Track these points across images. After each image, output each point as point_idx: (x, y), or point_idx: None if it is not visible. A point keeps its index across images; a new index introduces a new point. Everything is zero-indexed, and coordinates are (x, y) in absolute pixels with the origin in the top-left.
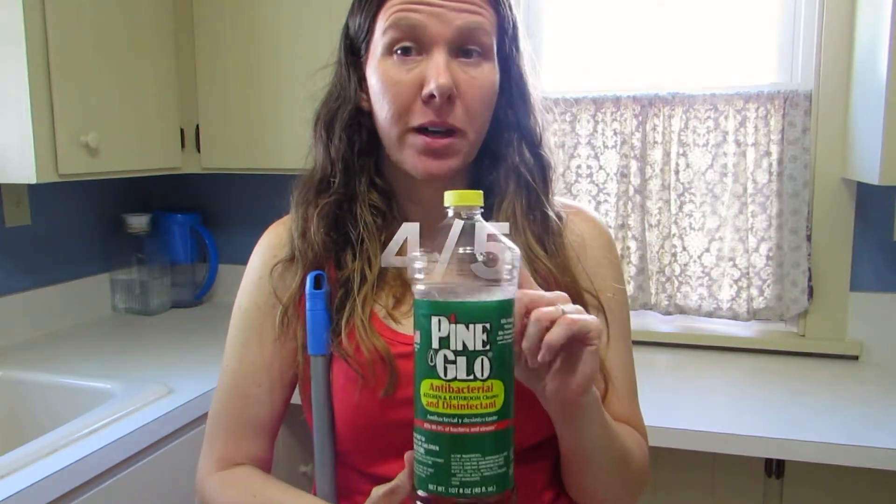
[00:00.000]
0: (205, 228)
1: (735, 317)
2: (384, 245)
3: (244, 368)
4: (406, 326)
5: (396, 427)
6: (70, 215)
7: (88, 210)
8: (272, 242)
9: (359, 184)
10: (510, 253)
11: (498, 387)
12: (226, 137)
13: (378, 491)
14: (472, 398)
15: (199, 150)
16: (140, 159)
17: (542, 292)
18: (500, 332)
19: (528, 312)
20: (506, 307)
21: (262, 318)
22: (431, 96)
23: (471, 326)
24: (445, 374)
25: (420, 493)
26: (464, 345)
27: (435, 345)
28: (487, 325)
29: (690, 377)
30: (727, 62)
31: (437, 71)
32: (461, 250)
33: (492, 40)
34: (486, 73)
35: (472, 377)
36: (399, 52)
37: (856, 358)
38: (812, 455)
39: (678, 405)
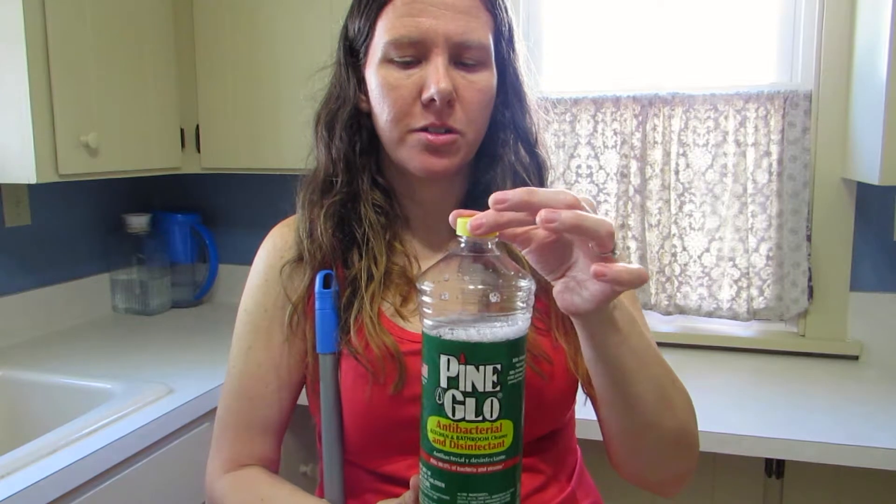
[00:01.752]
0: (205, 228)
1: (735, 317)
2: (388, 243)
3: (251, 370)
4: (414, 324)
5: (405, 424)
6: (70, 215)
7: (88, 210)
8: (277, 244)
9: (361, 183)
10: (524, 287)
11: (507, 427)
12: (226, 137)
13: None
14: (480, 439)
15: (199, 150)
16: (140, 159)
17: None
18: (512, 372)
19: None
20: (518, 345)
21: (268, 320)
22: (432, 101)
23: (481, 368)
24: (454, 415)
25: None
26: (473, 386)
27: (443, 384)
28: (498, 366)
29: (690, 377)
30: (727, 62)
31: (437, 76)
32: (472, 286)
33: (489, 44)
34: (485, 78)
35: (480, 418)
36: (398, 58)
37: (856, 358)
38: (812, 455)
39: None
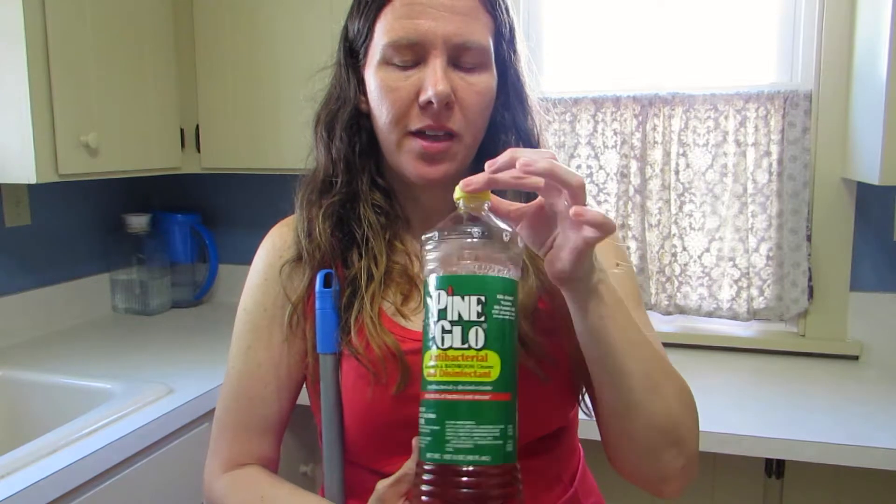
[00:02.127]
0: (205, 228)
1: (735, 317)
2: (389, 243)
3: (251, 370)
4: (415, 323)
5: (408, 424)
6: (70, 215)
7: (88, 210)
8: (277, 244)
9: (361, 183)
10: (512, 239)
11: (493, 358)
12: (226, 137)
13: (384, 483)
14: (465, 366)
15: (199, 150)
16: (140, 159)
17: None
18: (497, 307)
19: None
20: (505, 284)
21: (268, 320)
22: (429, 103)
23: (466, 298)
24: (442, 343)
25: (422, 466)
26: (459, 315)
27: (434, 317)
28: (482, 298)
29: (690, 377)
30: (727, 62)
31: (434, 79)
32: (464, 231)
33: (489, 46)
34: (484, 80)
35: (466, 346)
36: (397, 60)
37: (856, 358)
38: (812, 455)
39: None
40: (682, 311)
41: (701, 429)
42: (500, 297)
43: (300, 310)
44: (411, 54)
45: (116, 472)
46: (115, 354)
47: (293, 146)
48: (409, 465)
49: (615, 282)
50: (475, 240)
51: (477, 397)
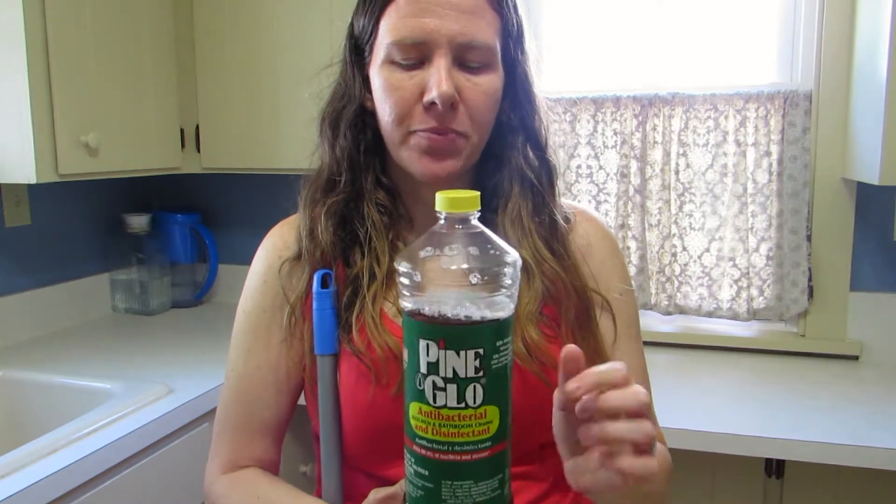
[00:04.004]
0: (205, 228)
1: (735, 317)
2: (392, 243)
3: (250, 372)
4: None
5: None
6: (70, 215)
7: (88, 210)
8: (276, 244)
9: (365, 182)
10: (510, 263)
11: (492, 412)
12: (226, 137)
13: (377, 494)
14: (463, 426)
15: (199, 150)
16: (140, 159)
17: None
18: (496, 356)
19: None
20: (502, 328)
21: (267, 321)
22: (433, 104)
23: (462, 353)
24: (434, 401)
25: None
26: (454, 372)
27: (423, 370)
28: (480, 351)
29: (690, 377)
30: (727, 62)
31: (438, 79)
32: (451, 265)
33: (495, 45)
34: (490, 79)
35: (463, 405)
36: (401, 58)
37: (856, 358)
38: (812, 455)
39: (678, 405)
40: (682, 311)
41: (701, 429)
42: (498, 344)
43: (298, 310)
44: (415, 53)
45: (116, 472)
46: (115, 354)
47: (293, 146)
48: (400, 488)
49: (615, 307)
50: (472, 275)
51: (476, 456)
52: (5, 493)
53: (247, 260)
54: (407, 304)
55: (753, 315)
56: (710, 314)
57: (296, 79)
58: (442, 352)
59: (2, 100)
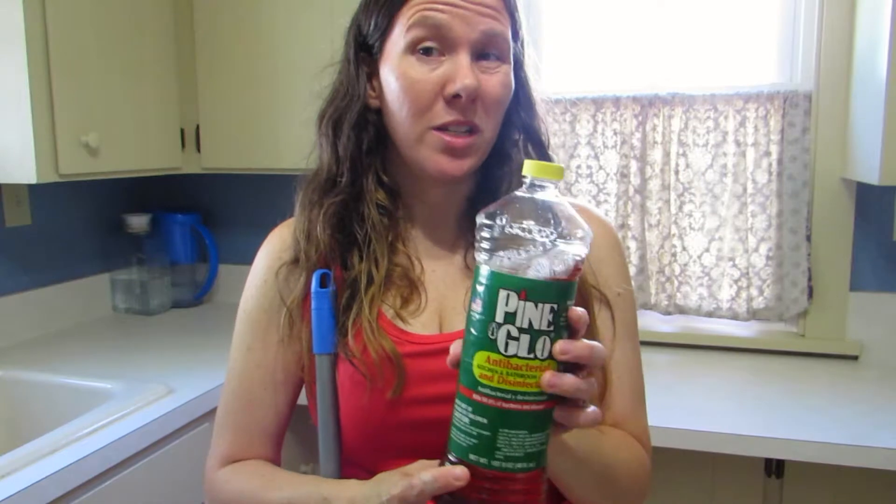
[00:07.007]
0: (205, 228)
1: (735, 317)
2: (391, 245)
3: (250, 372)
4: (414, 326)
5: (405, 427)
6: (70, 215)
7: (88, 210)
8: (276, 246)
9: (366, 182)
10: (586, 234)
11: (553, 367)
12: (226, 137)
13: (388, 472)
14: (528, 376)
15: (199, 150)
16: (140, 159)
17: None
18: (564, 314)
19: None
20: (571, 290)
21: (267, 322)
22: (457, 97)
23: (539, 305)
24: (506, 350)
25: (452, 457)
26: (530, 323)
27: (499, 318)
28: (555, 306)
29: (690, 377)
30: (727, 62)
31: (463, 72)
32: (540, 225)
33: (509, 45)
34: (506, 73)
35: (532, 356)
36: (421, 51)
37: (856, 358)
38: (812, 455)
39: (678, 405)
40: (681, 310)
41: (701, 429)
42: (568, 303)
43: (296, 312)
44: (436, 47)
45: (116, 472)
46: (115, 354)
47: (293, 146)
48: (417, 467)
49: (614, 305)
50: (551, 238)
51: (534, 407)
52: (5, 493)
53: (247, 260)
54: (486, 256)
55: (753, 315)
56: (709, 314)
57: (296, 79)
58: (522, 303)
59: (2, 99)
